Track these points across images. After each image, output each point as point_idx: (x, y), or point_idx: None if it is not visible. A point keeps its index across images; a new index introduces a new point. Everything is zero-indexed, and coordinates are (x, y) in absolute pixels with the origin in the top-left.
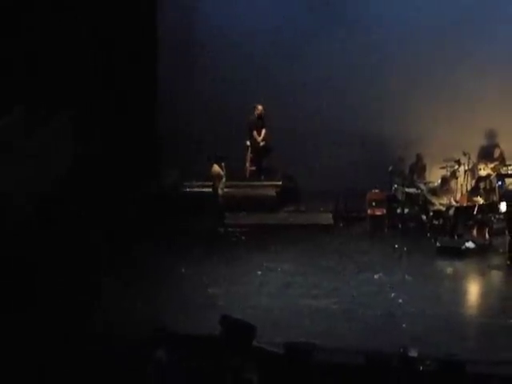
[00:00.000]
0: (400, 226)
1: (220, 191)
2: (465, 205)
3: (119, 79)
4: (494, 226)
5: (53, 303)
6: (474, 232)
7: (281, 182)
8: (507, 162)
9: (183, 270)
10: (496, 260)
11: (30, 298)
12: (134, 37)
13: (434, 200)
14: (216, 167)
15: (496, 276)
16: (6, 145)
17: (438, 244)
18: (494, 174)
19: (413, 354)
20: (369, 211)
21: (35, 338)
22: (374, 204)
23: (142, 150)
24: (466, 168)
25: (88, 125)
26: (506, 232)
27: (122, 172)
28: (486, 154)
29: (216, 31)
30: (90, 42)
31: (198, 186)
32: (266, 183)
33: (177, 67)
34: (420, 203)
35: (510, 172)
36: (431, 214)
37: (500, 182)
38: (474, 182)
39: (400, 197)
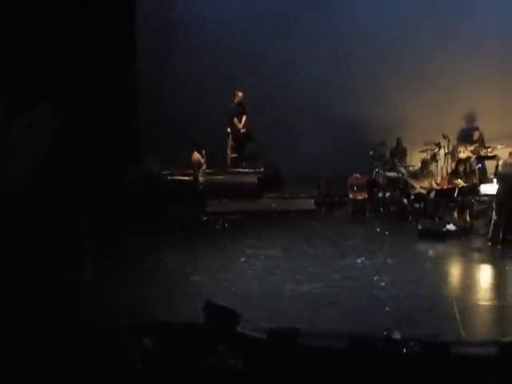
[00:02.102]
0: (381, 209)
1: (201, 179)
2: (445, 187)
3: (99, 67)
4: (475, 208)
5: (35, 291)
6: (455, 214)
7: (262, 169)
8: (486, 145)
9: (167, 259)
10: (477, 242)
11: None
12: (113, 23)
13: (415, 183)
14: (196, 155)
15: (477, 257)
16: None
17: (419, 227)
18: (473, 157)
19: (396, 336)
20: (350, 196)
21: (20, 323)
22: (355, 188)
23: (123, 137)
24: (446, 151)
25: (68, 112)
26: (493, 213)
27: (103, 159)
28: (465, 137)
29: (196, 17)
30: (68, 28)
31: (179, 174)
32: (247, 170)
33: (156, 54)
34: (401, 187)
35: (489, 154)
36: (412, 197)
37: (480, 165)
38: (454, 164)
39: (381, 181)
